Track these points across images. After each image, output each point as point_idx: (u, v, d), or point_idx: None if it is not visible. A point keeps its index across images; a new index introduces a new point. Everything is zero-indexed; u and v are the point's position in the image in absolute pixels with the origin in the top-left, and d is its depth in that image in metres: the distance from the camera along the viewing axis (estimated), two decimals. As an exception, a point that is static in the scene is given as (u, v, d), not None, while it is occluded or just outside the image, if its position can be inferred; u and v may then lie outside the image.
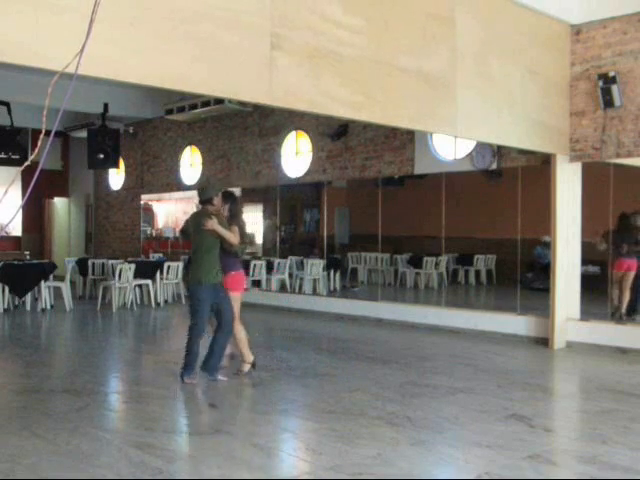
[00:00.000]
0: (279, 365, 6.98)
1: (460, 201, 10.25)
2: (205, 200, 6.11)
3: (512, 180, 9.18)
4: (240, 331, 6.38)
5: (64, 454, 4.11)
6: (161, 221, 15.62)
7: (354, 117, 5.71)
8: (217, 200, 6.17)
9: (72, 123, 15.07)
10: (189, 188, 14.50)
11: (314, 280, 11.91)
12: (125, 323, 10.54)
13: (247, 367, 6.34)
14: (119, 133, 13.11)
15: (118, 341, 9.15)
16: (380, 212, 10.83)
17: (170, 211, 15.40)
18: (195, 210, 6.60)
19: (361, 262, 12.02)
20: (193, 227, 6.13)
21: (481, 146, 9.41)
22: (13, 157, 12.65)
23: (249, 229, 13.78)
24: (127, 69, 4.10)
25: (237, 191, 13.33)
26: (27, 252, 15.98)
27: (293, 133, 12.38)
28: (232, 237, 6.06)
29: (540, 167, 8.66)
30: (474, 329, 9.07)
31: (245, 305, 12.42)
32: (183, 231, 6.48)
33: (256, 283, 12.60)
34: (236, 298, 6.35)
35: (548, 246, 8.82)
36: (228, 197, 6.43)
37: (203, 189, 6.33)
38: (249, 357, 6.40)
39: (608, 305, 8.44)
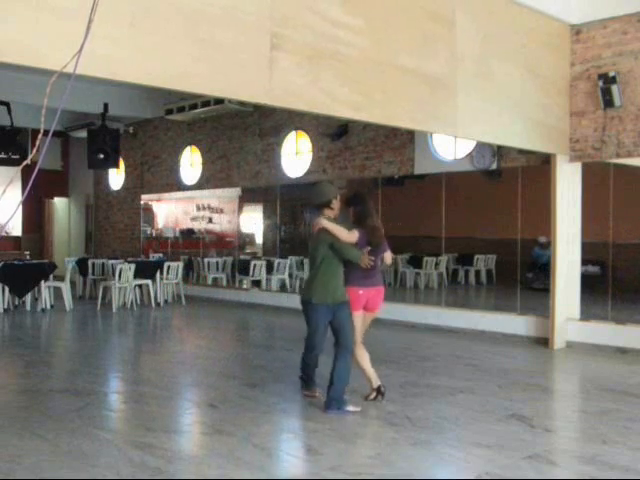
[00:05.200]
0: (279, 365, 6.97)
1: (460, 201, 10.24)
2: (321, 204, 5.27)
3: (512, 180, 9.18)
4: (361, 356, 5.41)
5: (64, 454, 4.11)
6: (161, 221, 15.62)
7: (354, 117, 5.70)
8: (336, 203, 5.29)
9: (72, 123, 15.08)
10: (189, 188, 14.52)
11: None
12: (125, 323, 10.54)
13: (372, 394, 5.43)
14: (119, 133, 13.11)
15: (118, 341, 9.16)
16: (380, 212, 10.81)
17: (170, 211, 15.40)
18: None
19: (361, 262, 11.99)
20: (311, 237, 5.30)
21: (481, 146, 9.42)
22: (13, 157, 12.65)
23: (248, 229, 13.85)
24: (127, 69, 4.10)
25: (237, 191, 13.38)
26: (27, 252, 15.99)
27: (293, 133, 12.38)
28: (343, 233, 5.12)
29: (540, 167, 8.67)
30: (474, 329, 9.07)
31: (246, 305, 12.49)
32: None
33: (256, 283, 12.62)
34: (353, 316, 5.33)
35: (543, 246, 8.83)
36: (352, 200, 5.51)
37: (318, 192, 5.39)
38: (375, 382, 5.45)
39: (609, 305, 8.43)
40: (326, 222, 5.13)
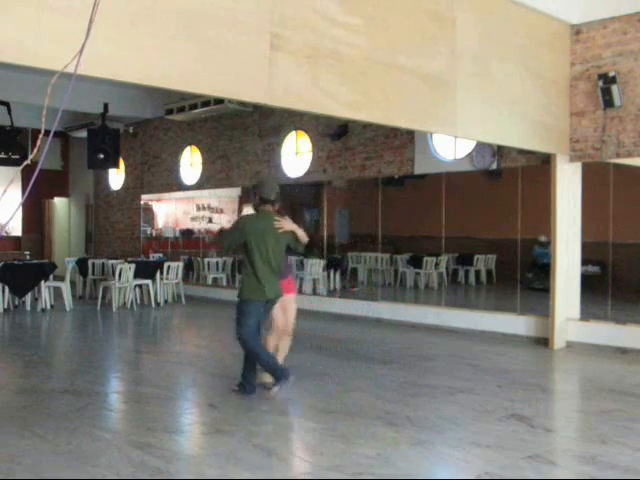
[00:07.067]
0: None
1: (460, 201, 10.24)
2: (268, 200, 5.56)
3: (512, 180, 9.18)
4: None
5: (64, 454, 4.11)
6: (161, 221, 15.62)
7: (354, 117, 5.71)
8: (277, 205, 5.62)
9: (72, 123, 15.09)
10: (189, 188, 14.52)
11: (314, 280, 11.90)
12: (125, 323, 10.54)
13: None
14: (119, 133, 13.11)
15: (118, 341, 9.15)
16: (380, 212, 10.83)
17: (170, 211, 15.40)
18: (250, 212, 5.73)
19: (361, 262, 12.01)
20: (257, 232, 5.41)
21: (481, 146, 9.41)
22: (13, 157, 12.66)
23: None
24: (127, 69, 4.10)
25: (237, 191, 13.38)
26: (27, 252, 15.99)
27: (293, 133, 12.38)
28: (305, 236, 5.59)
29: (540, 167, 8.66)
30: (474, 329, 9.07)
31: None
32: (232, 235, 5.54)
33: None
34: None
35: (544, 245, 8.84)
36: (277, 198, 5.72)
37: (265, 185, 5.64)
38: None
39: (609, 305, 8.44)
40: (296, 227, 5.61)
